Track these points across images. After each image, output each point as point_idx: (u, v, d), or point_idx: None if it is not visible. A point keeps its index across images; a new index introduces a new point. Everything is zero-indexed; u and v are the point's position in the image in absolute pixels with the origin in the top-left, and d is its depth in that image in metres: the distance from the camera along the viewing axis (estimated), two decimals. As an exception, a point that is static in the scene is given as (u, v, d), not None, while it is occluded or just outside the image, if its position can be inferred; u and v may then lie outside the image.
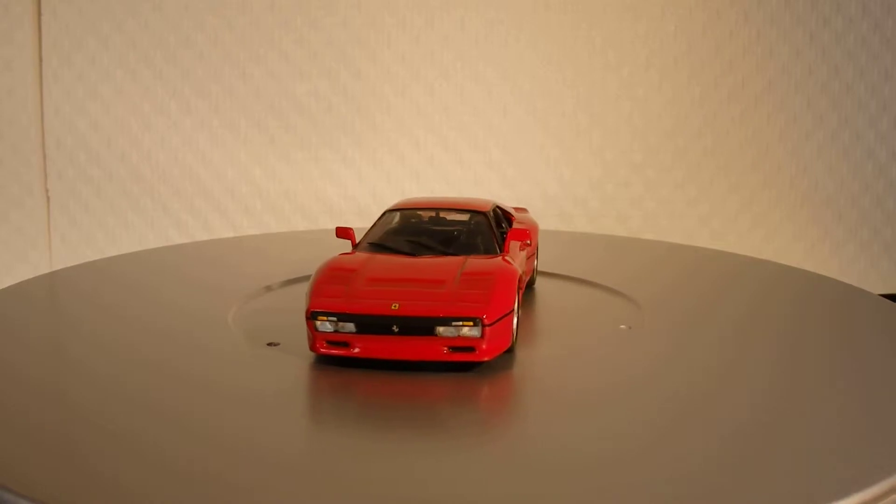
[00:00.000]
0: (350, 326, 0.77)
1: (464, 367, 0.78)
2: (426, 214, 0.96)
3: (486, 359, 0.77)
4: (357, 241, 0.93)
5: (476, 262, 0.83)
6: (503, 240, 0.91)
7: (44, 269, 1.87)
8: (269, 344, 0.85)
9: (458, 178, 1.99)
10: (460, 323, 0.75)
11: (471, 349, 0.76)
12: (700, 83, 2.03)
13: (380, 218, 0.96)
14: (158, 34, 1.89)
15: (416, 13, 1.94)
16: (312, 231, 1.59)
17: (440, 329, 0.75)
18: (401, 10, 1.94)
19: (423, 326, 0.76)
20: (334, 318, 0.77)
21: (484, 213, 0.93)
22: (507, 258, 0.86)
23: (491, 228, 0.91)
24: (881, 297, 1.08)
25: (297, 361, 0.80)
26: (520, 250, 0.95)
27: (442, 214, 0.96)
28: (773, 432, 0.68)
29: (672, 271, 1.27)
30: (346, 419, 0.71)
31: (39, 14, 1.86)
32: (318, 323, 0.77)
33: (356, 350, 0.77)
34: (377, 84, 1.96)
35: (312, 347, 0.79)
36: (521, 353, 0.84)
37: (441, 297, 0.77)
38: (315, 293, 0.79)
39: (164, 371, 0.80)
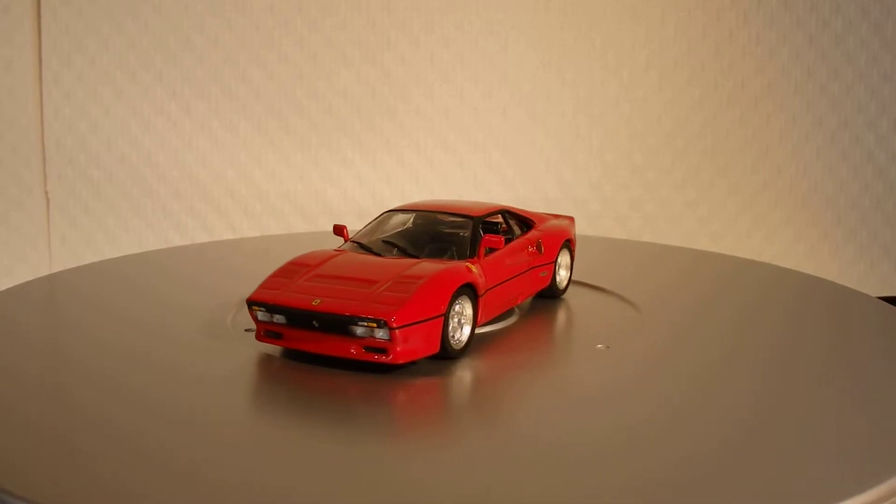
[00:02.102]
0: (282, 318, 0.80)
1: (385, 368, 0.78)
2: (419, 216, 0.96)
3: (399, 362, 0.77)
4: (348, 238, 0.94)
5: (425, 265, 0.83)
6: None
7: (43, 271, 1.87)
8: (248, 330, 0.89)
9: (458, 179, 1.99)
10: (366, 323, 0.76)
11: (383, 351, 0.76)
12: (700, 85, 2.04)
13: (376, 217, 0.97)
14: (158, 35, 1.90)
15: (415, 15, 1.95)
16: (312, 233, 1.59)
17: (354, 328, 0.76)
18: (400, 12, 1.94)
19: (337, 324, 0.77)
20: (263, 309, 0.80)
21: (471, 218, 0.92)
22: (469, 264, 0.84)
23: (471, 233, 0.90)
24: (878, 300, 1.08)
25: (299, 361, 0.81)
26: (526, 255, 0.94)
27: (434, 217, 0.95)
28: (771, 435, 0.68)
29: (669, 274, 1.27)
30: (351, 421, 0.71)
31: (39, 15, 1.86)
32: (257, 313, 0.81)
33: (286, 341, 0.81)
34: (377, 85, 1.96)
35: (256, 336, 0.82)
36: (494, 356, 0.84)
37: (362, 296, 0.78)
38: (261, 285, 0.83)
39: (166, 372, 0.80)
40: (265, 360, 0.82)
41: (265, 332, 0.82)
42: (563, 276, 1.05)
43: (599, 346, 0.89)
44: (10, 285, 1.10)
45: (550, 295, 1.04)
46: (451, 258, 0.87)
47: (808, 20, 2.04)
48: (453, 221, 0.93)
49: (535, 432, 0.68)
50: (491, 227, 0.97)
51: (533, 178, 2.01)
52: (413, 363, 0.79)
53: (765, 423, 0.70)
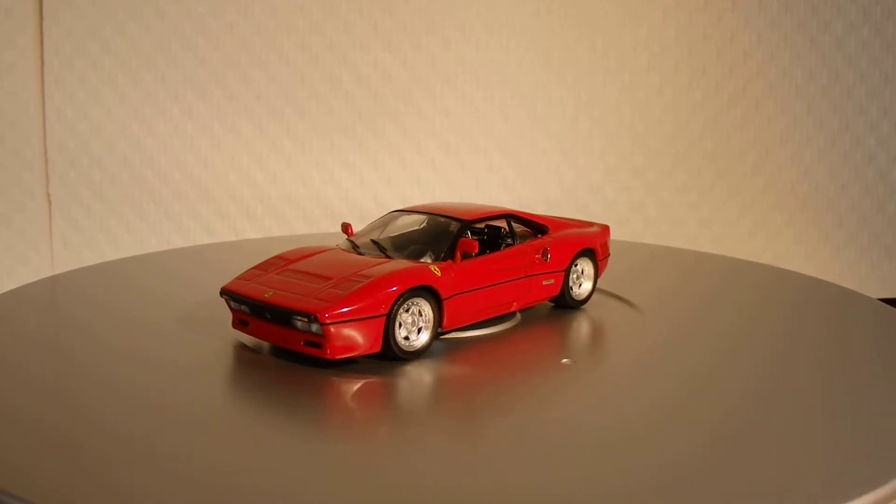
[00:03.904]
0: (246, 308, 0.83)
1: (329, 364, 0.79)
2: (417, 218, 0.95)
3: (335, 357, 0.78)
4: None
5: (387, 265, 0.83)
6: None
7: (45, 273, 1.88)
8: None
9: (460, 181, 1.99)
10: (300, 318, 0.78)
11: (318, 345, 0.78)
12: (701, 87, 2.04)
13: (381, 217, 0.98)
14: (160, 38, 1.90)
15: (417, 17, 1.95)
16: (314, 235, 1.59)
17: (295, 321, 0.78)
18: (402, 14, 1.95)
19: (282, 316, 0.79)
20: (227, 298, 0.85)
21: (460, 221, 0.91)
22: (434, 267, 0.84)
23: (453, 236, 0.89)
24: (879, 301, 1.08)
25: (296, 361, 0.81)
26: (524, 261, 0.93)
27: (429, 220, 0.94)
28: (770, 436, 0.68)
29: (670, 275, 1.27)
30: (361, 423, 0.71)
31: (41, 18, 1.86)
32: (230, 302, 0.85)
33: (250, 330, 0.84)
34: (378, 88, 1.96)
35: (231, 323, 0.87)
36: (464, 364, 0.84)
37: (308, 291, 0.80)
38: (238, 275, 0.86)
39: (167, 373, 0.80)
40: (265, 360, 0.82)
41: (238, 321, 0.85)
42: (583, 286, 1.01)
43: (565, 360, 0.86)
44: (12, 287, 1.10)
45: (563, 304, 1.00)
46: (427, 260, 0.86)
47: (809, 22, 2.04)
48: (445, 224, 0.92)
49: (524, 432, 0.69)
50: (495, 232, 0.96)
51: (534, 181, 2.01)
52: (353, 360, 0.80)
53: (764, 424, 0.70)
